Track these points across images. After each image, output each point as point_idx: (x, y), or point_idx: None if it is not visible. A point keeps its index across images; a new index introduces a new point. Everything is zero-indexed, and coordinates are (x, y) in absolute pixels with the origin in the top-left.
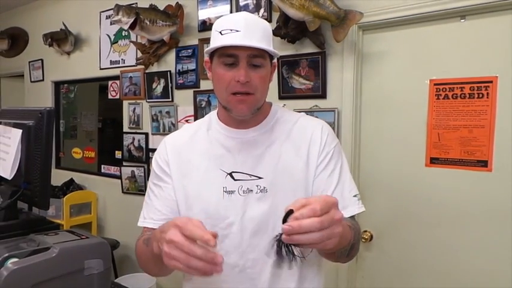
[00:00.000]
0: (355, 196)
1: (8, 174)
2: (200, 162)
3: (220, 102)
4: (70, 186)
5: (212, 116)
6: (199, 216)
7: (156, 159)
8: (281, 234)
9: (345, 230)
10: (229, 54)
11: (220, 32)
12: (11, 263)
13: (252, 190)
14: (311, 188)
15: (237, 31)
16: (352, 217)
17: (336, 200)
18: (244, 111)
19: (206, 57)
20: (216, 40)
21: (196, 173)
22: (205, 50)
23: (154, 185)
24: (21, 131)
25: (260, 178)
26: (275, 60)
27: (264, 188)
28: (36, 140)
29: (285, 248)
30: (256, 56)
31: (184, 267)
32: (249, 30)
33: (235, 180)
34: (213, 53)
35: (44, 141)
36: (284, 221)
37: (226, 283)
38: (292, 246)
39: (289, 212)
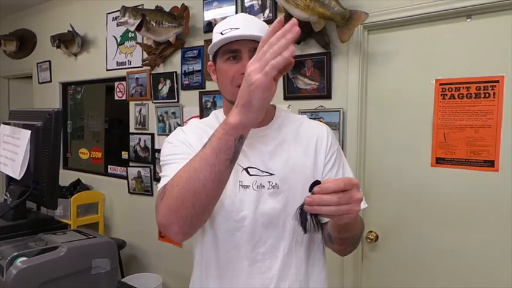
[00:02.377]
0: None
1: (17, 175)
2: None
3: (226, 97)
4: (77, 186)
5: (218, 114)
6: (215, 208)
7: (176, 137)
8: (303, 205)
9: (358, 218)
10: (232, 50)
11: (221, 33)
12: (19, 261)
13: (264, 186)
14: None
15: (237, 28)
16: None
17: (357, 182)
18: None
19: (210, 61)
20: (218, 40)
21: None
22: (208, 49)
23: (176, 154)
24: (29, 131)
25: (272, 174)
26: None
27: (276, 184)
28: (44, 140)
29: (306, 215)
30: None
31: (278, 61)
32: (248, 26)
33: (250, 175)
34: (216, 54)
35: (52, 142)
36: (310, 189)
37: (236, 276)
38: (313, 215)
39: (316, 182)
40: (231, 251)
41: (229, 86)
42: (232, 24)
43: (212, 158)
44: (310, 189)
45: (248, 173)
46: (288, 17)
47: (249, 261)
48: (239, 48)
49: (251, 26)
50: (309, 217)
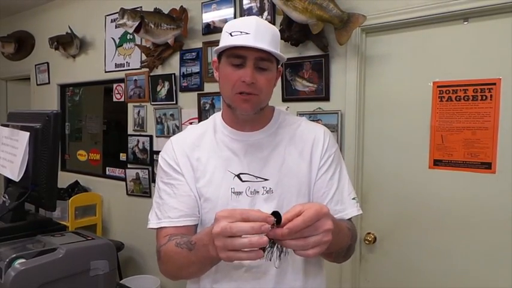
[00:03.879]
0: (353, 199)
1: (16, 176)
2: (208, 163)
3: (225, 100)
4: (75, 188)
5: (217, 118)
6: (211, 217)
7: (164, 158)
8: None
9: (343, 234)
10: (237, 55)
11: (230, 34)
12: (18, 263)
13: (258, 191)
14: (312, 189)
15: (247, 33)
16: (349, 218)
17: (327, 210)
18: (247, 110)
19: (214, 57)
20: (226, 41)
21: (204, 174)
22: (215, 49)
23: (165, 184)
24: (28, 133)
25: (266, 180)
26: (280, 66)
27: (270, 189)
28: (43, 142)
29: (273, 246)
30: (263, 59)
31: (233, 254)
32: (259, 34)
33: (242, 181)
34: (222, 53)
35: (51, 144)
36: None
37: (232, 282)
38: (278, 245)
39: (274, 213)
40: None
41: (230, 92)
42: (243, 27)
43: (198, 264)
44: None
45: (240, 179)
46: (286, 19)
47: (245, 268)
48: (244, 55)
49: (262, 35)
50: (275, 248)
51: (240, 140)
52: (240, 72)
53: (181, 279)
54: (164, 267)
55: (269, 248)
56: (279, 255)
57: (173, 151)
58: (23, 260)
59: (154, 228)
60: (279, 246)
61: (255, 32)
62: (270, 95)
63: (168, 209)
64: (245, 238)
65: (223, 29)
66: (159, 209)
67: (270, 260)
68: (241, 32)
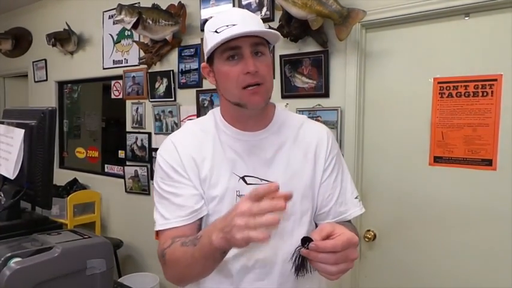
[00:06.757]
0: (356, 198)
1: (11, 174)
2: (213, 165)
3: (230, 100)
4: (74, 185)
5: (216, 115)
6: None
7: (166, 160)
8: (300, 249)
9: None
10: (232, 47)
11: (216, 31)
12: (13, 262)
13: None
14: (317, 192)
15: (234, 25)
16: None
17: (357, 240)
18: (260, 103)
19: (204, 63)
20: (214, 39)
21: (210, 176)
22: (205, 52)
23: (169, 185)
24: (23, 130)
25: (271, 182)
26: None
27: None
28: (38, 139)
29: (303, 260)
30: (258, 43)
31: (255, 234)
32: (245, 21)
33: (247, 184)
34: (213, 53)
35: (46, 141)
36: (302, 244)
37: (234, 284)
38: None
39: (307, 239)
40: (230, 261)
41: (235, 89)
42: (227, 20)
43: (202, 261)
44: (302, 243)
45: (245, 182)
46: (286, 14)
47: (248, 270)
48: (240, 45)
49: (249, 21)
50: (306, 262)
51: (243, 140)
52: (240, 65)
53: (186, 283)
54: (170, 271)
55: (296, 260)
56: (304, 272)
57: (177, 153)
58: (19, 259)
59: (164, 230)
60: (307, 264)
61: (241, 21)
62: (273, 82)
63: (174, 209)
64: (264, 216)
65: (206, 29)
66: (164, 210)
67: (297, 273)
68: (227, 26)
